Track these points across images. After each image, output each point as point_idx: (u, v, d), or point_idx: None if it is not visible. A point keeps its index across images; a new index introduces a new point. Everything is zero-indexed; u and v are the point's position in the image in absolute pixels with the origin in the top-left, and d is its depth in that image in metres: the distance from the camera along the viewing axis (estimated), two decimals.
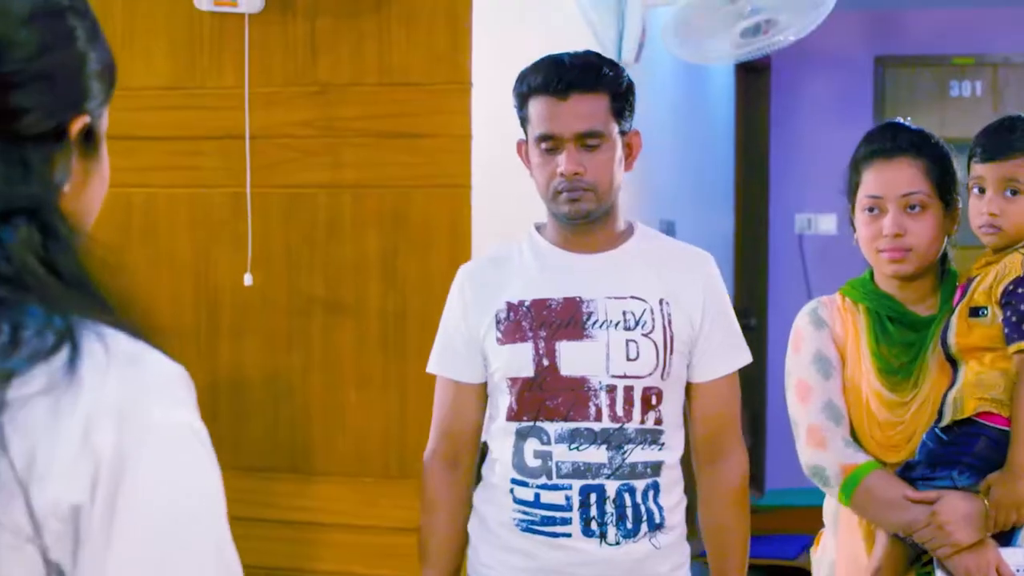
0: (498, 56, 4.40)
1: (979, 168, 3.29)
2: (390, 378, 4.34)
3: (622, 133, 3.33)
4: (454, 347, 3.46)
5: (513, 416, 3.33)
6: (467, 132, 4.24)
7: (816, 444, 3.34)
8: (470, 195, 4.25)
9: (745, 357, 3.46)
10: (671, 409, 3.34)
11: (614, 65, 3.35)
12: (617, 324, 3.29)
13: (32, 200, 1.44)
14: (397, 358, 4.33)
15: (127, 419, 1.39)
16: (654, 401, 3.30)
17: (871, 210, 3.36)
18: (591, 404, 3.26)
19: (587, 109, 3.26)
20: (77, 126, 1.53)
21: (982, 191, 3.28)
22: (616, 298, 3.31)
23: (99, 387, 1.39)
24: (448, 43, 4.27)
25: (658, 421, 3.31)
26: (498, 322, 3.36)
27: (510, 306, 3.36)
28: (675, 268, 3.39)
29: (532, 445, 3.30)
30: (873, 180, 3.36)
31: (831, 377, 3.38)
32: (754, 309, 9.24)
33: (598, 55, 3.37)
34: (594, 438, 3.27)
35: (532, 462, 3.30)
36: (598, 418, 3.26)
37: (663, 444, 3.32)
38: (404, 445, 4.31)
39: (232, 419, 4.50)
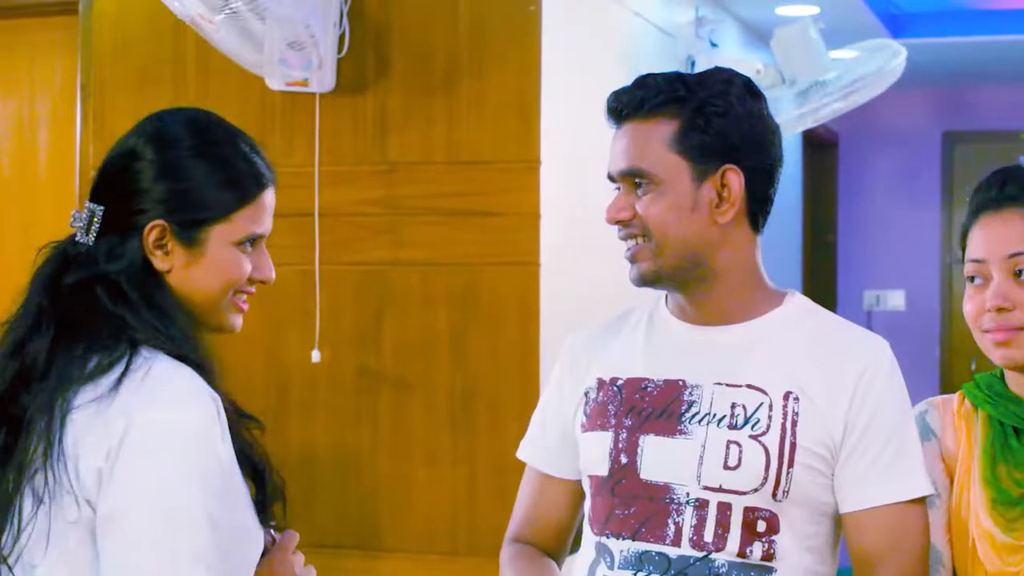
0: (566, 135, 4.42)
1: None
2: (459, 455, 4.34)
3: (702, 172, 2.47)
4: (546, 430, 2.72)
5: (591, 525, 2.57)
6: (536, 210, 4.25)
7: None
8: (539, 273, 4.26)
9: (917, 486, 2.47)
10: (795, 543, 2.45)
11: (699, 82, 2.52)
12: (721, 420, 2.46)
13: (116, 271, 2.20)
14: (466, 435, 4.33)
15: (132, 417, 2.07)
16: (761, 528, 2.43)
17: (973, 279, 2.56)
18: (669, 521, 2.45)
19: (633, 140, 2.50)
20: (148, 227, 2.20)
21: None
22: (727, 385, 2.48)
23: (127, 397, 2.08)
24: (517, 122, 4.30)
25: (768, 556, 2.43)
26: (587, 402, 2.61)
27: (600, 383, 2.59)
28: (821, 355, 2.50)
29: (602, 569, 2.51)
30: (977, 240, 2.56)
31: (933, 507, 2.54)
32: None
33: (703, 75, 2.57)
34: (666, 567, 2.44)
35: None
36: (676, 542, 2.44)
37: None
38: (473, 523, 4.31)
39: (301, 496, 4.51)
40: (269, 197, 2.34)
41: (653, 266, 2.49)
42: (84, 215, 2.23)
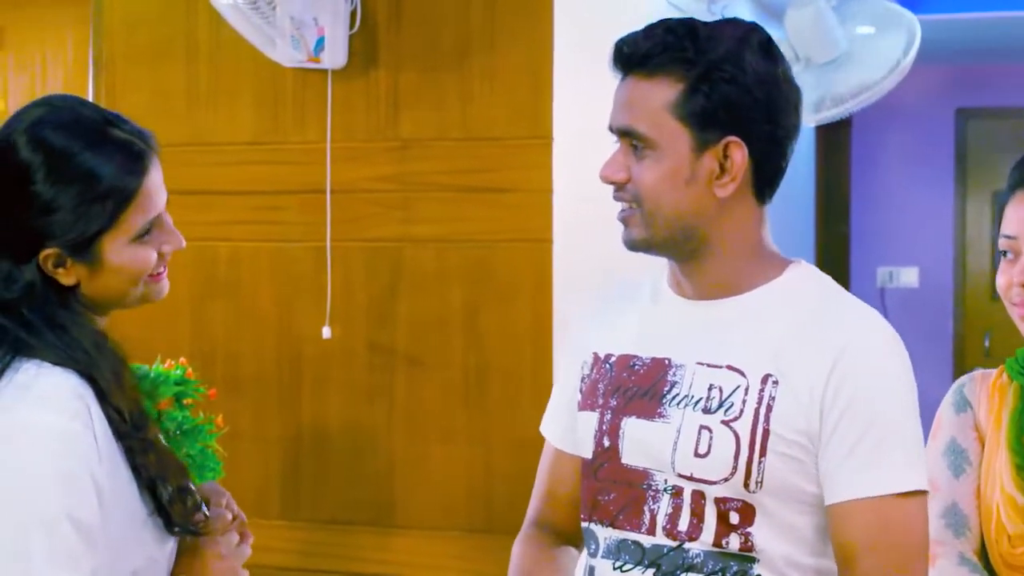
0: (579, 110, 4.40)
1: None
2: (474, 432, 4.34)
3: (703, 142, 2.28)
4: (558, 403, 2.57)
5: (581, 510, 2.45)
6: (548, 186, 4.25)
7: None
8: (552, 249, 4.25)
9: (903, 480, 2.21)
10: (775, 534, 2.26)
11: (711, 40, 2.28)
12: (697, 403, 2.28)
13: (14, 298, 2.16)
14: (480, 412, 4.33)
15: None
16: (736, 520, 2.25)
17: (1005, 254, 2.57)
18: (645, 509, 2.30)
19: (633, 98, 2.32)
20: (42, 256, 2.16)
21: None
22: (708, 366, 2.30)
23: None
24: (529, 98, 4.29)
25: (747, 547, 2.24)
26: (583, 378, 2.47)
27: (596, 359, 2.45)
28: (806, 331, 2.27)
29: (588, 557, 2.41)
30: (1010, 216, 2.57)
31: (963, 474, 2.58)
32: None
33: (717, 30, 2.31)
34: (641, 556, 2.30)
35: None
36: (650, 530, 2.29)
37: None
38: (489, 499, 4.31)
39: (314, 471, 4.51)
40: (152, 179, 2.22)
41: (644, 234, 2.32)
42: None
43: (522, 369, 4.27)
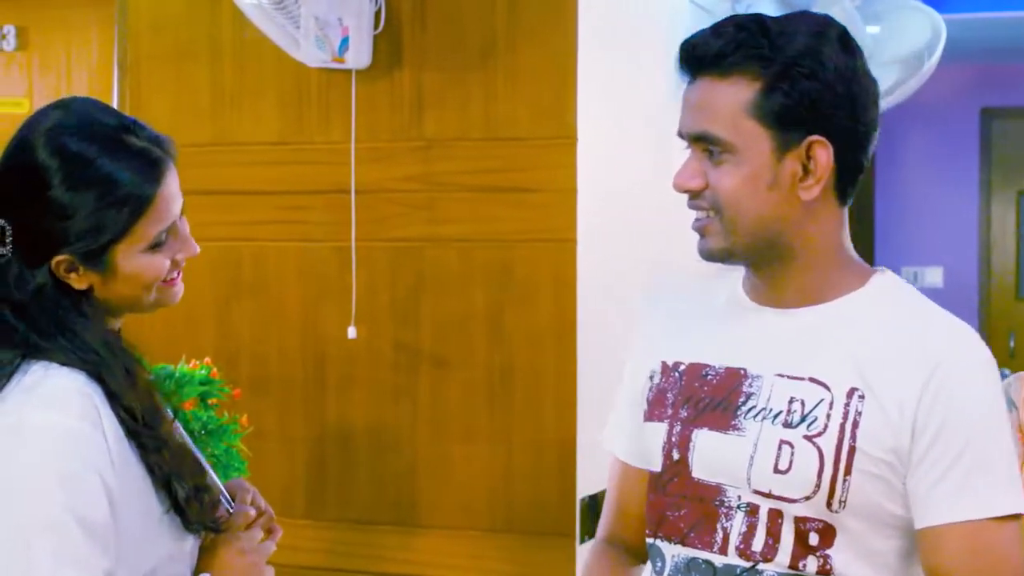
0: (604, 110, 4.40)
1: None
2: (496, 432, 4.33)
3: (785, 143, 2.17)
4: (622, 413, 2.46)
5: (646, 525, 2.36)
6: (573, 186, 4.24)
7: None
8: (575, 249, 4.24)
9: (999, 503, 2.12)
10: (856, 558, 2.17)
11: (785, 35, 2.16)
12: (776, 416, 2.17)
13: (12, 297, 2.16)
14: (503, 412, 4.32)
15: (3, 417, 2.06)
16: (815, 541, 2.14)
17: None
18: (718, 527, 2.20)
19: (706, 100, 2.19)
20: (54, 263, 2.16)
21: None
22: (789, 378, 2.19)
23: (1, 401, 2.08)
24: (554, 97, 4.28)
25: (825, 571, 2.15)
26: (650, 387, 2.37)
27: (664, 368, 2.35)
28: (894, 346, 2.18)
29: (650, 572, 2.33)
30: None
31: None
32: None
33: (790, 24, 2.20)
34: None
35: None
36: (723, 549, 2.19)
37: None
38: (511, 499, 4.30)
39: (339, 471, 4.52)
40: (168, 187, 2.21)
41: (724, 243, 2.21)
42: None
43: (546, 369, 4.26)
